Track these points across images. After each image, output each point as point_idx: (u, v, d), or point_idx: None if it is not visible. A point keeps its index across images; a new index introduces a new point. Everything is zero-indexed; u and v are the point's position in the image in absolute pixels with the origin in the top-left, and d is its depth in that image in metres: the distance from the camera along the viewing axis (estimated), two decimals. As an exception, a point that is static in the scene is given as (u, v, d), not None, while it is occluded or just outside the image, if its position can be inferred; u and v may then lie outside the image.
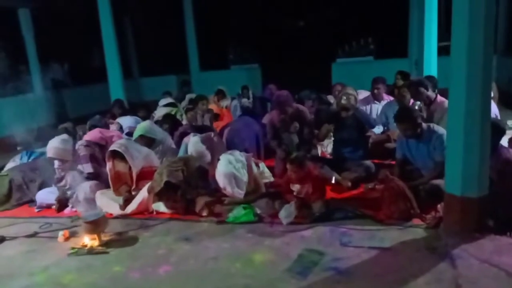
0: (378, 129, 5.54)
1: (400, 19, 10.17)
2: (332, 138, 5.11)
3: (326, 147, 5.54)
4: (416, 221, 3.40)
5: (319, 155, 5.38)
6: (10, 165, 5.30)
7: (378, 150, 5.07)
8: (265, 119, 5.73)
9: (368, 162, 4.63)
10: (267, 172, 4.71)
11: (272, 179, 4.63)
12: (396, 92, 5.47)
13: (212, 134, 5.06)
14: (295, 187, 3.84)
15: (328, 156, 5.34)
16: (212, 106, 7.23)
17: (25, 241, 3.72)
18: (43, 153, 5.04)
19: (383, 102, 5.96)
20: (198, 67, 12.26)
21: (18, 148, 5.78)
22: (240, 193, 4.00)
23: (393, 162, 4.39)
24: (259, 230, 3.53)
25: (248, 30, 12.31)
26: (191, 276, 2.91)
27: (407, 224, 3.37)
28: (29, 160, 5.28)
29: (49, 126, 5.91)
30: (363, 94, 6.39)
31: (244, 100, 8.00)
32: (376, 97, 6.08)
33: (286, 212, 3.57)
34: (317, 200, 3.70)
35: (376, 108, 6.01)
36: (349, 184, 4.28)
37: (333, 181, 4.38)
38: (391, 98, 5.94)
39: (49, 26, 9.50)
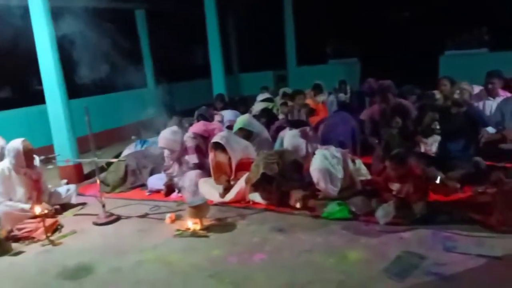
0: (492, 128, 5.03)
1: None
2: (437, 136, 4.77)
3: (431, 146, 5.18)
4: (535, 231, 3.05)
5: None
6: (126, 152, 5.92)
7: (491, 151, 4.61)
8: (363, 115, 5.57)
9: (478, 158, 4.23)
10: (363, 169, 4.58)
11: (368, 176, 4.49)
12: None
13: (308, 128, 5.07)
14: (395, 186, 3.68)
15: (432, 155, 5.01)
16: (309, 101, 7.23)
17: (137, 221, 4.14)
18: (155, 143, 5.53)
19: (498, 99, 5.39)
20: (295, 62, 12.33)
21: (133, 137, 6.40)
22: (334, 190, 3.94)
23: (508, 165, 3.95)
24: (354, 228, 3.47)
25: (347, 23, 12.00)
26: (285, 266, 2.98)
27: (524, 233, 3.04)
28: (142, 148, 5.83)
29: (159, 118, 6.44)
30: (475, 89, 5.85)
31: (341, 95, 7.86)
32: (490, 93, 5.52)
33: (384, 212, 3.45)
34: (419, 201, 3.50)
35: (490, 105, 5.46)
36: (458, 185, 3.95)
37: (437, 181, 4.08)
38: (508, 94, 5.35)
39: (160, 26, 10.33)
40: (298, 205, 3.91)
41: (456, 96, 4.36)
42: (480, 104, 5.50)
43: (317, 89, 7.85)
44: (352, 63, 11.56)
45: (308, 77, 8.89)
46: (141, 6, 9.52)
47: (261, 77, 12.05)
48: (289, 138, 4.73)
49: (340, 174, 4.00)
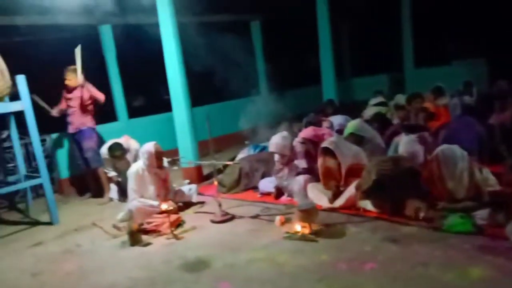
0: None
1: None
2: None
3: None
4: None
5: None
6: (240, 156, 6.24)
7: None
8: (493, 120, 5.02)
9: None
10: (492, 179, 4.10)
11: (497, 187, 4.02)
12: None
13: (427, 134, 4.75)
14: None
15: None
16: (428, 105, 6.74)
17: (249, 221, 4.35)
18: (266, 147, 5.74)
19: None
20: (413, 63, 11.62)
21: (246, 142, 6.71)
22: None
23: None
24: (478, 243, 3.15)
25: (472, 20, 10.89)
26: (397, 278, 2.84)
27: None
28: (255, 152, 6.10)
29: (271, 124, 6.66)
30: None
31: (466, 98, 7.15)
32: None
33: (516, 227, 3.06)
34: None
35: None
36: None
37: None
38: None
39: (273, 35, 10.67)
40: (416, 216, 3.67)
41: None
42: None
43: (438, 92, 7.28)
44: (478, 64, 10.44)
45: (427, 80, 8.30)
46: (256, 18, 9.97)
47: (374, 81, 11.62)
48: (405, 144, 4.48)
49: (465, 181, 3.65)
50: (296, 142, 5.00)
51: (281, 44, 11.00)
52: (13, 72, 4.81)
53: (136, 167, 4.73)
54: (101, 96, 5.89)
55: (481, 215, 3.43)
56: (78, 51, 5.59)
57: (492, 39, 10.34)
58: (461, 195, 3.71)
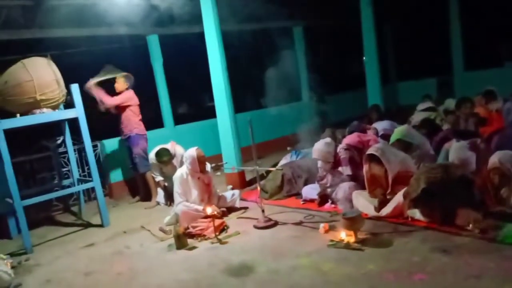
0: None
1: None
2: None
3: None
4: None
5: None
6: (282, 162, 6.25)
7: None
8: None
9: None
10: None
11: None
12: None
13: (479, 140, 4.54)
14: None
15: None
16: (479, 109, 6.43)
17: (292, 228, 4.33)
18: (309, 153, 5.70)
19: None
20: (463, 66, 11.14)
21: (288, 148, 6.71)
22: None
23: None
24: (537, 255, 2.96)
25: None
26: (449, 290, 2.73)
27: None
28: (297, 159, 6.07)
29: (314, 130, 6.62)
30: None
31: (521, 102, 6.76)
32: None
33: None
34: None
35: None
36: None
37: None
38: None
39: (316, 40, 10.61)
40: (469, 227, 3.49)
41: None
42: None
43: (490, 96, 6.93)
44: (536, 64, 9.87)
45: (478, 83, 7.92)
46: (299, 24, 9.97)
47: (422, 85, 11.24)
48: (456, 150, 4.31)
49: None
50: (340, 148, 4.93)
51: (325, 48, 10.92)
52: (67, 81, 5.10)
53: (181, 172, 4.86)
54: (108, 102, 5.88)
55: (541, 226, 3.22)
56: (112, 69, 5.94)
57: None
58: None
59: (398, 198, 4.06)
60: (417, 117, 6.88)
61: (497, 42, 11.00)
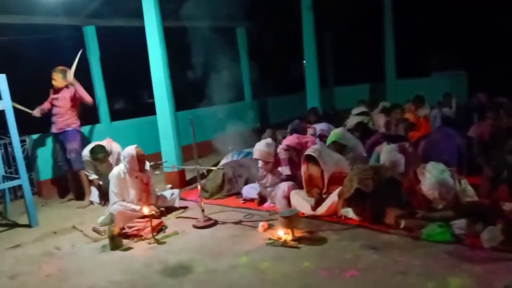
0: None
1: None
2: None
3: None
4: None
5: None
6: (223, 161, 6.24)
7: None
8: (472, 132, 5.17)
9: None
10: (469, 190, 4.20)
11: (475, 198, 4.13)
12: None
13: (407, 144, 4.85)
14: (507, 206, 3.34)
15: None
16: (409, 115, 6.90)
17: (232, 227, 4.35)
18: (250, 153, 5.75)
19: None
20: (395, 74, 11.86)
21: (230, 148, 6.72)
22: None
23: None
24: (457, 252, 3.23)
25: (453, 32, 11.20)
26: (378, 285, 2.89)
27: None
28: (238, 158, 6.10)
29: (255, 130, 6.70)
30: None
31: (446, 110, 7.35)
32: None
33: (490, 235, 3.17)
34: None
35: None
36: None
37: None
38: None
39: (259, 42, 10.73)
40: (395, 225, 3.73)
41: None
42: None
43: (419, 102, 7.44)
44: (458, 76, 10.75)
45: (408, 91, 8.47)
46: (242, 24, 10.01)
47: (357, 90, 11.81)
48: (386, 153, 4.57)
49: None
50: (280, 149, 5.04)
51: (267, 50, 11.07)
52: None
53: (118, 170, 4.68)
54: (88, 99, 5.84)
55: (459, 225, 3.51)
56: (79, 54, 5.79)
57: (472, 52, 10.65)
58: (440, 205, 3.80)
59: (333, 197, 4.24)
60: (351, 120, 7.22)
61: (426, 53, 11.84)
